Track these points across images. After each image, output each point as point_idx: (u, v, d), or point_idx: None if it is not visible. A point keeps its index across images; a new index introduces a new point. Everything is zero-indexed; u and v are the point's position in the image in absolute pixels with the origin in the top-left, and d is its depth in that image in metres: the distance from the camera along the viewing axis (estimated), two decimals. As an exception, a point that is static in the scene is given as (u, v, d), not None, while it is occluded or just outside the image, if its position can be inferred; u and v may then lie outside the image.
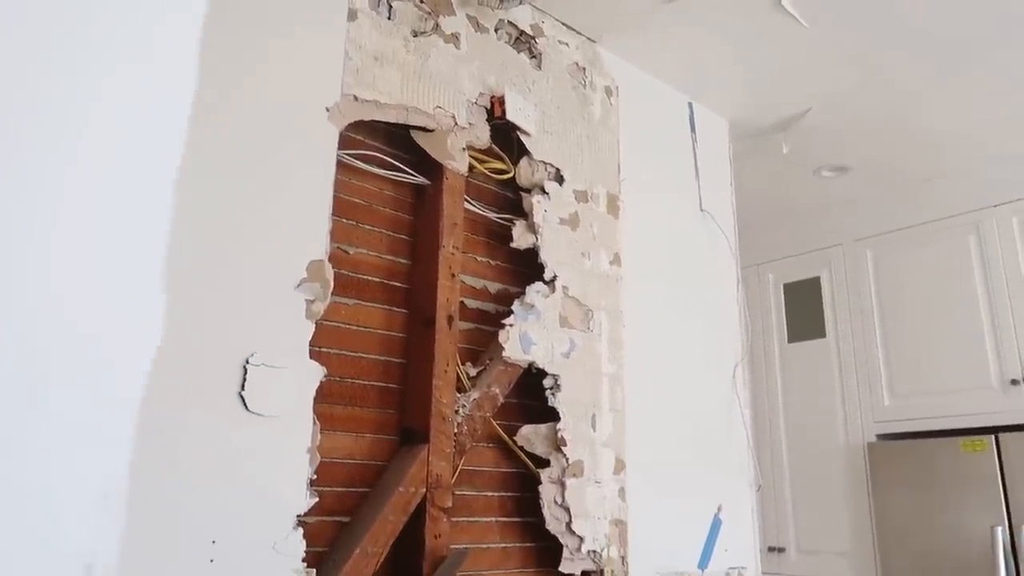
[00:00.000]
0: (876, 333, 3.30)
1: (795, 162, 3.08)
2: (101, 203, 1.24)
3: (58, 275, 1.17)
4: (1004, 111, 2.71)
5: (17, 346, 1.10)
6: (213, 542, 1.25)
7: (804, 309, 3.58)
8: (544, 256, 1.95)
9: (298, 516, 1.36)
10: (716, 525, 2.24)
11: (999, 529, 2.72)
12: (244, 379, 1.33)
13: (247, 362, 1.34)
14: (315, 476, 1.41)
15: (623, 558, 1.93)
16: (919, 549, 2.93)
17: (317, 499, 1.41)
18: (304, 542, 1.36)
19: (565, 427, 1.87)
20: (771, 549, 3.40)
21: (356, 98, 1.65)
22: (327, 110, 1.59)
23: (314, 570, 1.37)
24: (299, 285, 1.45)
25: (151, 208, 1.29)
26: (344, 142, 1.65)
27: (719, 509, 2.27)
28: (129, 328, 1.21)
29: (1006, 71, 2.45)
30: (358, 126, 1.69)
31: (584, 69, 2.24)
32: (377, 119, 1.70)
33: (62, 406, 1.12)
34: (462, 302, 1.85)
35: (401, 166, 1.79)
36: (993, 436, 2.82)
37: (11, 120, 1.17)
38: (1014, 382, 2.90)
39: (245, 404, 1.33)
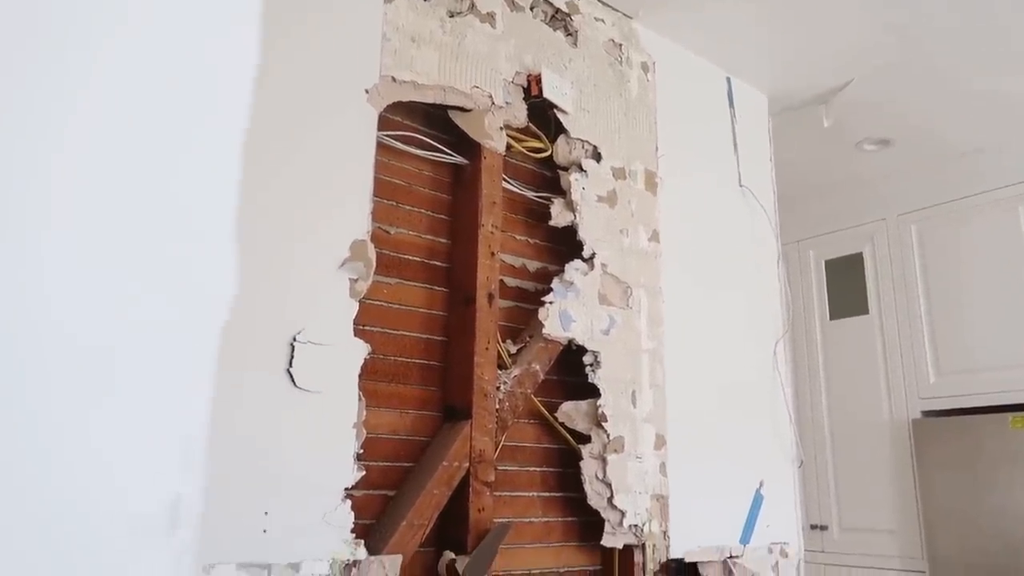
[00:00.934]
0: (921, 309, 3.25)
1: (836, 136, 3.03)
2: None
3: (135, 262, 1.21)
4: (1055, 78, 2.63)
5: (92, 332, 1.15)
6: (266, 513, 1.29)
7: (846, 286, 3.53)
8: (583, 234, 1.96)
9: (346, 489, 1.40)
10: (758, 501, 2.23)
11: (1049, 506, 2.67)
12: (292, 356, 1.37)
13: (294, 340, 1.38)
14: (362, 450, 1.44)
15: (664, 532, 1.94)
16: (966, 528, 2.89)
17: (364, 473, 1.44)
18: (352, 514, 1.39)
19: (605, 403, 1.88)
20: (813, 527, 3.38)
21: (395, 79, 1.67)
22: (366, 92, 1.61)
23: (362, 541, 1.40)
24: (343, 264, 1.49)
25: (214, 194, 1.32)
26: (383, 123, 1.67)
27: (760, 485, 2.26)
28: (197, 308, 1.25)
29: (1057, 36, 2.38)
30: (396, 107, 1.71)
31: (620, 46, 2.23)
32: (415, 100, 1.72)
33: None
34: (501, 280, 1.87)
35: (439, 146, 1.81)
36: (1043, 412, 2.77)
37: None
38: (1065, 357, 2.83)
39: (293, 380, 1.36)
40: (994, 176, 3.13)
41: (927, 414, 3.16)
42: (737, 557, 2.11)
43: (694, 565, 2.02)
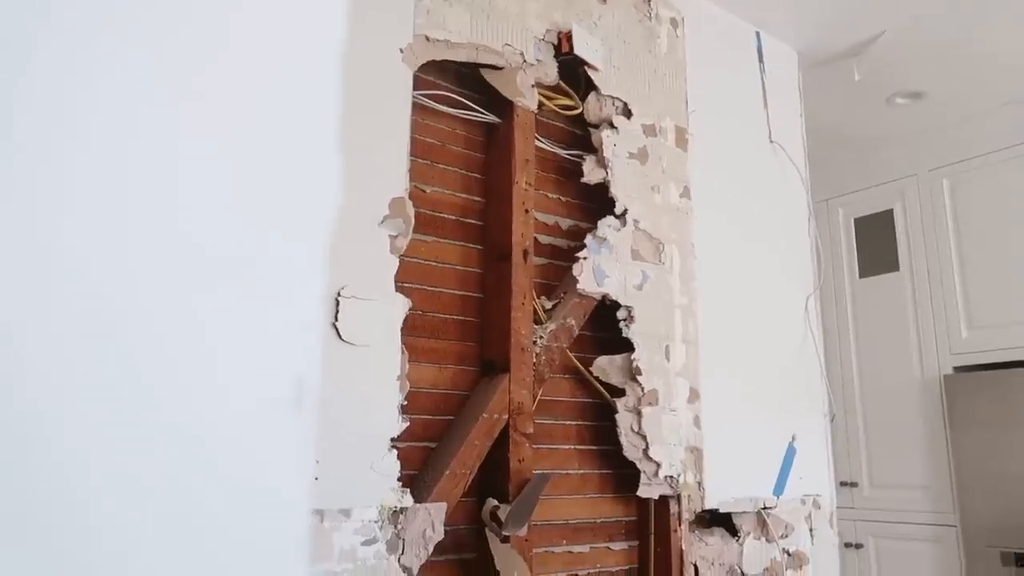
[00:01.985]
0: (953, 264, 3.23)
1: (867, 90, 2.99)
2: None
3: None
4: (1094, 25, 2.57)
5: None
6: (317, 462, 1.33)
7: (876, 243, 3.51)
8: (614, 191, 1.97)
9: (392, 439, 1.44)
10: (791, 453, 2.26)
11: (1083, 458, 2.67)
12: (337, 310, 1.41)
13: (339, 294, 1.42)
14: (405, 403, 1.49)
15: (699, 483, 1.98)
16: (998, 483, 2.89)
17: (408, 424, 1.48)
18: (399, 463, 1.44)
19: (639, 357, 1.91)
20: (843, 484, 3.40)
21: (428, 38, 1.68)
22: (401, 51, 1.62)
23: (408, 489, 1.45)
24: (383, 221, 1.51)
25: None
26: (417, 83, 1.69)
27: (793, 438, 2.29)
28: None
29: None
30: (429, 67, 1.72)
31: (649, 2, 2.22)
32: (448, 59, 1.73)
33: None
34: (535, 238, 1.89)
35: (472, 105, 1.82)
36: (1078, 365, 2.75)
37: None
38: (1101, 310, 2.81)
39: (339, 334, 1.40)
40: (1028, 128, 3.08)
41: (959, 370, 3.15)
42: (771, 508, 2.14)
43: (728, 516, 2.06)
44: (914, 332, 3.31)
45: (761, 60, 2.56)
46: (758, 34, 2.57)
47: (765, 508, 2.12)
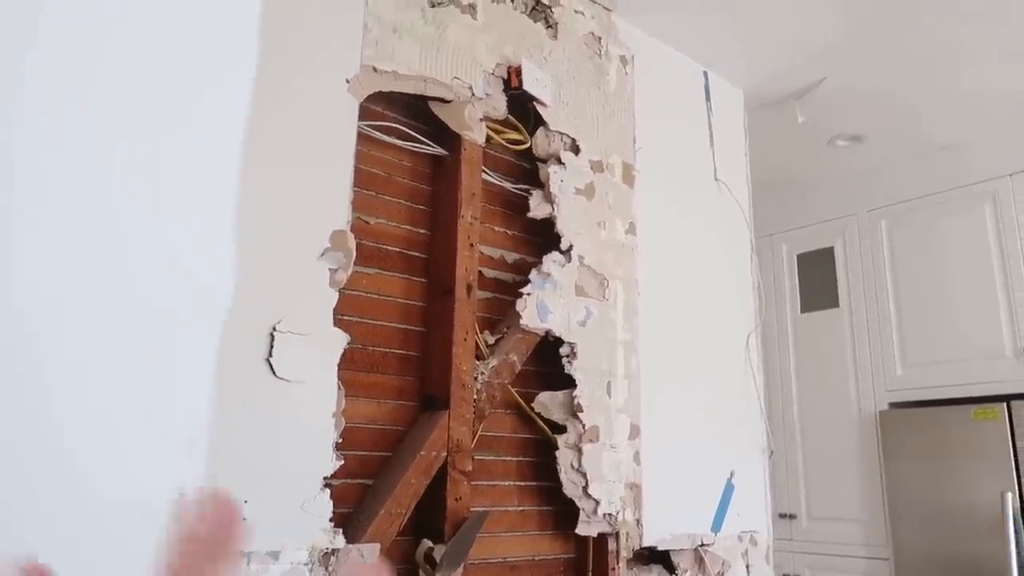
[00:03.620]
0: (889, 303, 3.32)
1: (810, 132, 3.07)
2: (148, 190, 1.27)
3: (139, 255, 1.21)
4: (1018, 80, 2.69)
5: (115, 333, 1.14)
6: (245, 502, 1.29)
7: (817, 279, 3.59)
8: (560, 226, 1.98)
9: (325, 478, 1.41)
10: (729, 490, 2.28)
11: (1009, 495, 2.75)
12: (271, 346, 1.37)
13: (274, 329, 1.38)
14: (340, 440, 1.45)
15: (638, 520, 1.98)
16: (930, 516, 2.97)
17: (342, 462, 1.45)
18: (331, 503, 1.40)
19: (581, 394, 1.91)
20: (782, 516, 3.45)
21: (375, 69, 1.67)
22: (347, 82, 1.61)
23: (341, 529, 1.41)
24: (323, 254, 1.49)
25: (204, 185, 1.32)
26: (364, 113, 1.67)
27: (732, 474, 2.31)
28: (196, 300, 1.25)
29: (1020, 38, 2.43)
30: (377, 97, 1.71)
31: (600, 39, 2.24)
32: (396, 90, 1.72)
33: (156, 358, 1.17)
34: (480, 271, 1.88)
35: (420, 137, 1.81)
36: (1005, 404, 2.85)
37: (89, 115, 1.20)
38: (1027, 351, 2.91)
39: (273, 370, 1.37)
40: (962, 173, 3.20)
41: (894, 406, 3.23)
42: (708, 545, 2.15)
43: (667, 553, 2.06)
44: (852, 367, 3.39)
45: (708, 99, 2.61)
46: (706, 74, 2.62)
47: (703, 545, 2.13)
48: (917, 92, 2.78)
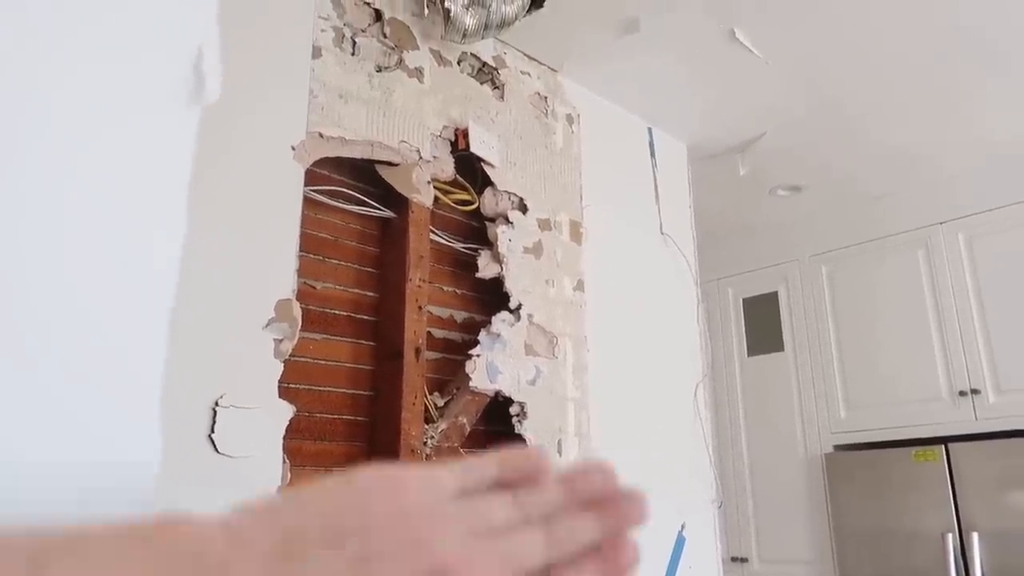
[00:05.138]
0: (832, 346, 3.41)
1: (752, 182, 3.17)
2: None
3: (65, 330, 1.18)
4: (949, 131, 2.82)
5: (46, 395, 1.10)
6: (185, 586, 1.26)
7: (763, 323, 3.67)
8: (509, 285, 1.99)
9: (269, 556, 1.37)
10: (680, 543, 2.29)
11: (949, 536, 2.82)
12: (214, 422, 1.34)
13: (216, 404, 1.36)
14: (286, 515, 1.42)
15: (590, 580, 1.97)
16: (875, 556, 3.02)
17: (288, 537, 1.42)
18: (276, 581, 1.37)
19: (532, 453, 1.90)
20: (734, 559, 3.48)
21: (322, 135, 1.67)
22: (293, 148, 1.61)
23: (286, 608, 1.38)
24: (267, 325, 1.47)
25: (136, 255, 1.30)
26: (310, 177, 1.67)
27: (682, 527, 2.32)
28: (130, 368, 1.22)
29: (951, 90, 2.56)
30: (323, 161, 1.71)
31: (546, 98, 2.29)
32: (343, 155, 1.72)
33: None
34: (429, 332, 1.88)
35: (367, 200, 1.82)
36: (943, 446, 2.93)
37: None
38: (962, 393, 3.01)
39: (215, 447, 1.34)
40: (897, 221, 3.33)
41: (839, 448, 3.30)
42: (660, 600, 2.15)
43: (619, 610, 2.05)
44: (798, 410, 3.46)
45: (653, 155, 2.67)
46: (650, 130, 2.69)
47: (655, 601, 2.13)
48: (850, 147, 2.90)
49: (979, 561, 2.75)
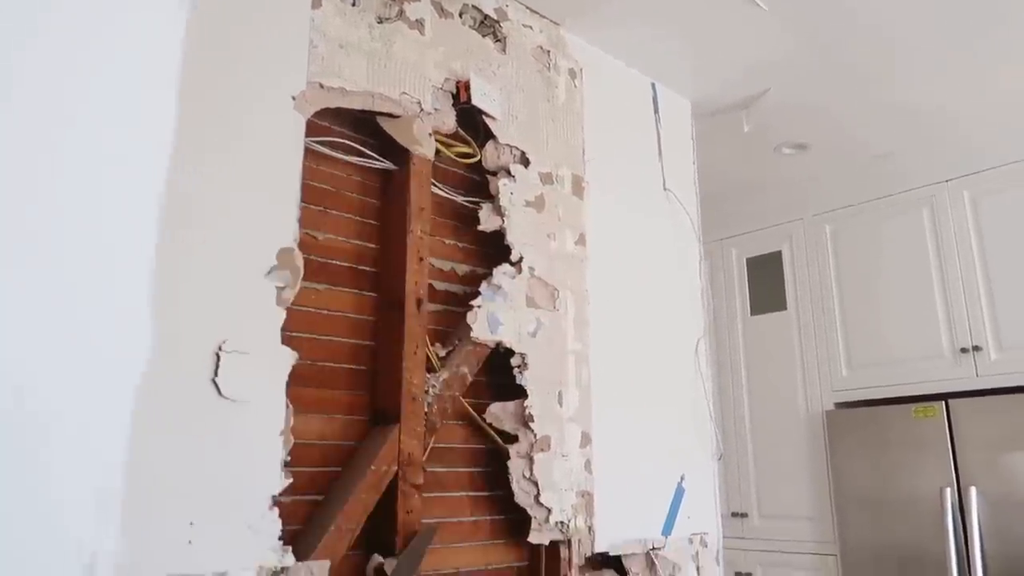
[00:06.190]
0: (834, 305, 3.42)
1: (756, 140, 3.15)
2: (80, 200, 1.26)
3: (45, 276, 1.20)
4: (955, 87, 2.79)
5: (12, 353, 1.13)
6: (191, 524, 1.29)
7: (766, 282, 3.68)
8: (510, 238, 2.00)
9: (273, 496, 1.41)
10: (679, 494, 2.33)
11: (948, 490, 2.86)
12: (217, 366, 1.37)
13: (220, 349, 1.38)
14: (289, 458, 1.46)
15: (590, 527, 2.01)
16: (874, 511, 3.06)
17: (291, 480, 1.45)
18: (280, 521, 1.41)
19: (532, 404, 1.94)
20: (735, 514, 3.53)
21: (322, 86, 1.67)
22: (293, 99, 1.61)
23: (290, 548, 1.42)
24: (269, 272, 1.49)
25: (132, 206, 1.31)
26: (311, 129, 1.68)
27: (682, 479, 2.36)
28: (118, 326, 1.24)
29: (956, 45, 2.53)
30: (325, 113, 1.71)
31: (548, 52, 2.27)
32: (343, 106, 1.73)
33: (58, 402, 1.16)
34: (430, 284, 1.90)
35: (368, 152, 1.82)
36: (943, 402, 2.95)
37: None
38: (964, 350, 3.03)
39: (219, 390, 1.36)
40: (902, 179, 3.31)
41: (840, 405, 3.33)
42: (659, 548, 2.20)
43: (618, 558, 2.09)
44: (799, 369, 3.48)
45: (656, 111, 2.65)
46: (654, 85, 2.67)
47: (654, 549, 2.18)
48: (856, 104, 2.87)
49: (976, 515, 2.78)
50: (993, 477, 2.79)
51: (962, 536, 2.81)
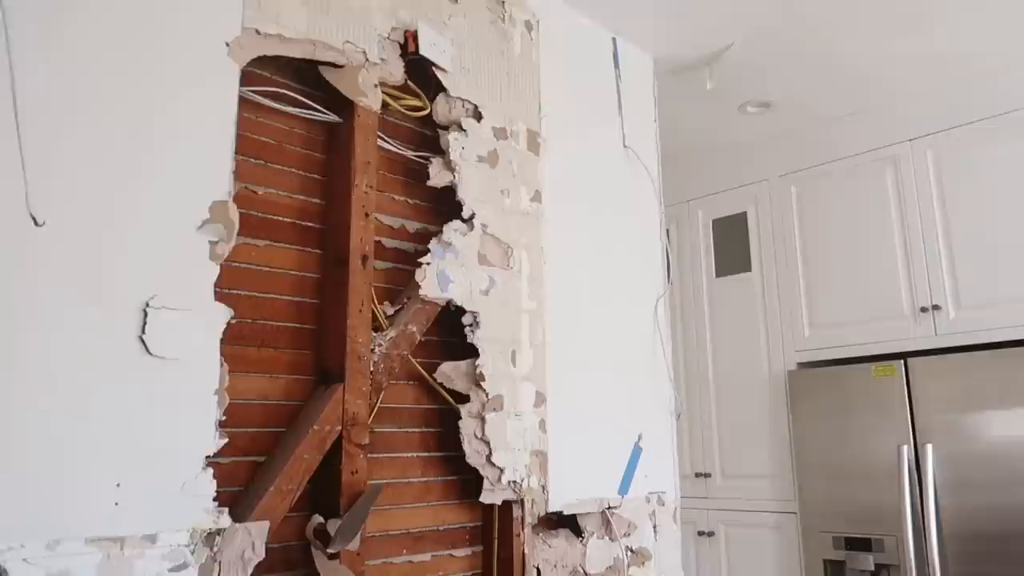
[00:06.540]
0: (798, 266, 3.41)
1: (720, 99, 3.11)
2: (-21, 144, 1.19)
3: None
4: (918, 48, 2.76)
5: None
6: (118, 485, 1.25)
7: (732, 244, 3.66)
8: (462, 194, 1.95)
9: (207, 457, 1.37)
10: (636, 453, 2.32)
11: (904, 448, 2.89)
12: (144, 322, 1.32)
13: (147, 305, 1.33)
14: (224, 417, 1.41)
15: (543, 487, 1.99)
16: (833, 469, 3.09)
17: (227, 440, 1.41)
18: (215, 482, 1.37)
19: (484, 363, 1.90)
20: (698, 475, 3.55)
21: (259, 32, 1.60)
22: (227, 45, 1.54)
23: (227, 509, 1.38)
24: (201, 226, 1.43)
25: (52, 153, 1.24)
26: (250, 79, 1.61)
27: (639, 438, 2.35)
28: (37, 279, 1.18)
29: (916, 4, 2.49)
30: (264, 62, 1.64)
31: (503, 3, 2.20)
32: (282, 54, 1.65)
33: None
34: (380, 242, 1.85)
35: (311, 103, 1.75)
36: (903, 361, 2.97)
37: None
38: (924, 309, 3.04)
39: (147, 347, 1.31)
40: (866, 139, 3.29)
41: (802, 365, 3.34)
42: (615, 507, 2.19)
43: (573, 517, 2.09)
44: (763, 330, 3.48)
45: (617, 66, 2.60)
46: (614, 40, 2.61)
47: (610, 508, 2.17)
48: (820, 61, 2.83)
49: (932, 472, 2.81)
50: (949, 435, 2.82)
51: (918, 492, 2.84)
